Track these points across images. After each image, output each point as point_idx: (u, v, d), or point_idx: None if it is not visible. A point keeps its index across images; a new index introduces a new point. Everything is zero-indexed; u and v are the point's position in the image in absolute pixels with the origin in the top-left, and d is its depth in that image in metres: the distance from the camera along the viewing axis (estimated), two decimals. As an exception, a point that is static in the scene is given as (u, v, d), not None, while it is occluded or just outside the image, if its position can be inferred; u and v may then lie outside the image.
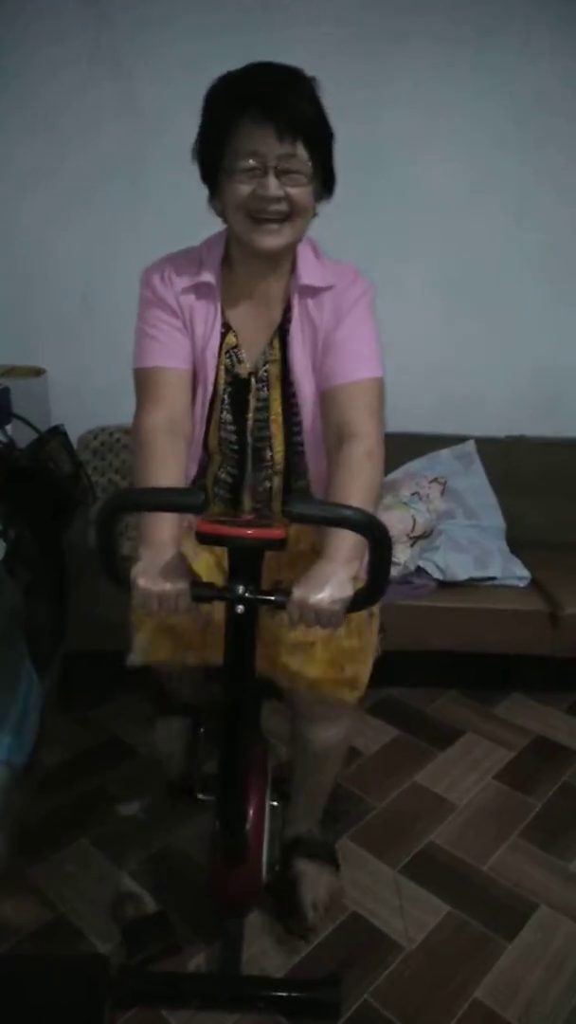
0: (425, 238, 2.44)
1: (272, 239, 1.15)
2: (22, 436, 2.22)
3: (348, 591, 1.06)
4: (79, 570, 2.01)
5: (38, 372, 2.49)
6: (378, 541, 1.01)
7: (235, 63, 1.14)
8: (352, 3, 2.22)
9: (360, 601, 1.08)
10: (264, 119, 1.07)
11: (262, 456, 1.32)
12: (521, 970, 1.47)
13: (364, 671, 1.38)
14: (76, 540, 2.12)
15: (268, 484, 1.34)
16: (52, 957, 1.27)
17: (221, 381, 1.27)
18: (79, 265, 2.44)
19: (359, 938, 1.52)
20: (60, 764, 2.00)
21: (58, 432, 2.32)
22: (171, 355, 1.23)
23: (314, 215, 1.19)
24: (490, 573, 2.21)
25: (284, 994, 1.38)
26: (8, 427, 2.18)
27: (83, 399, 2.45)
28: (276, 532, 1.05)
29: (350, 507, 1.03)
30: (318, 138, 1.11)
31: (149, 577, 1.07)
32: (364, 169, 2.29)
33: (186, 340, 1.24)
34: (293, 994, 1.37)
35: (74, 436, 2.46)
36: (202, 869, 1.41)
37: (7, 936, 1.49)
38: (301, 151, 1.10)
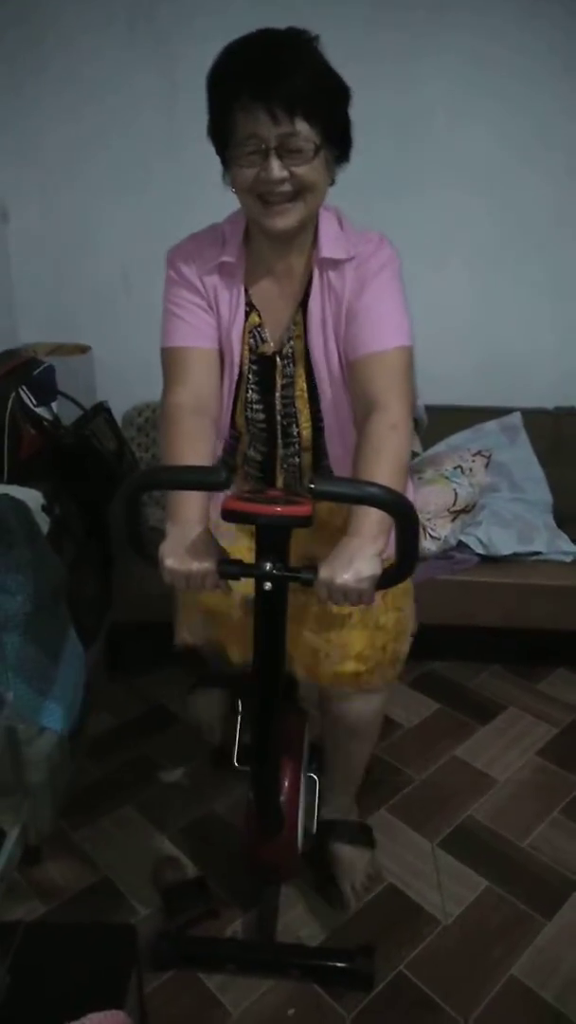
0: (468, 204, 2.36)
1: (283, 219, 1.12)
2: (68, 413, 2.26)
3: (376, 568, 1.05)
4: (123, 544, 2.04)
5: (84, 350, 2.53)
6: (404, 518, 0.99)
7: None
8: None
9: (389, 578, 1.07)
10: (255, 101, 1.03)
11: (290, 433, 1.31)
12: (559, 949, 1.46)
13: (403, 646, 1.37)
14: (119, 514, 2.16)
15: (297, 460, 1.34)
16: (81, 925, 1.32)
17: (246, 361, 1.27)
18: (121, 244, 2.45)
19: (395, 910, 1.54)
20: (106, 731, 2.06)
21: (102, 409, 2.36)
22: (197, 335, 1.23)
23: (331, 183, 1.16)
24: (535, 548, 2.16)
25: (319, 962, 1.41)
26: (54, 404, 2.22)
27: (127, 376, 2.47)
28: (303, 509, 1.04)
29: (374, 484, 1.01)
30: (321, 107, 1.06)
31: (177, 556, 1.08)
32: (402, 141, 2.25)
33: (211, 319, 1.24)
34: (328, 963, 1.40)
35: (119, 413, 2.50)
36: (241, 836, 1.44)
37: (52, 897, 1.55)
38: (302, 127, 1.05)
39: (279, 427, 1.30)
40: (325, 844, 1.56)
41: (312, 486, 0.97)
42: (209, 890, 1.53)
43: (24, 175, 2.40)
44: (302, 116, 1.05)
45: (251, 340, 1.26)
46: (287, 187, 1.09)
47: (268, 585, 1.08)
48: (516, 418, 2.46)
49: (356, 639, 1.32)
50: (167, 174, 2.35)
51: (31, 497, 1.78)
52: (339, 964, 1.39)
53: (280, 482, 1.37)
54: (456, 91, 2.26)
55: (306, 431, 1.31)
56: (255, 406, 1.30)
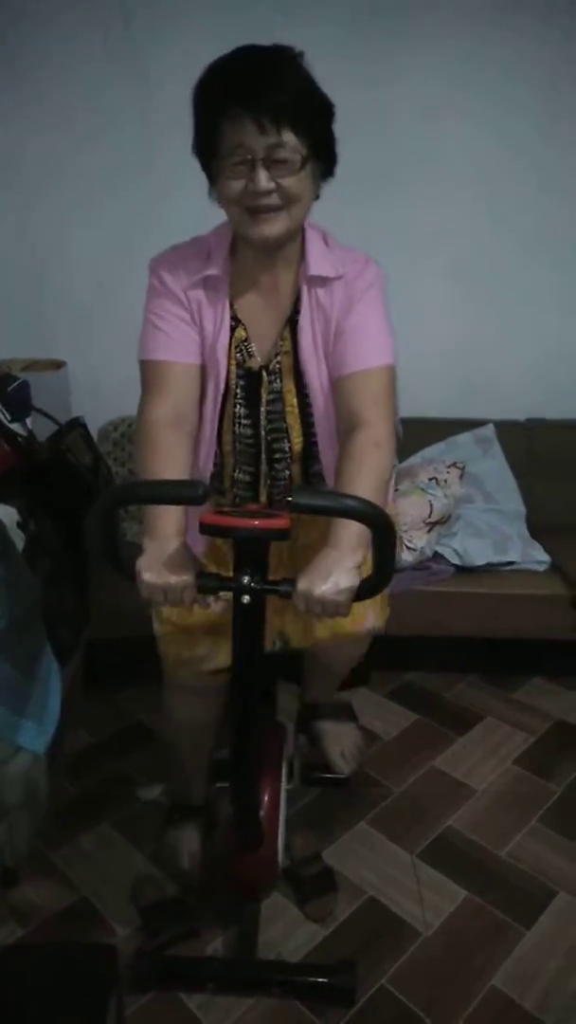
0: (441, 222, 2.40)
1: (268, 228, 1.13)
2: (43, 429, 2.25)
3: (354, 580, 1.06)
4: (100, 560, 2.03)
5: (58, 365, 2.51)
6: (382, 531, 1.00)
7: (247, 42, 1.11)
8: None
9: (366, 590, 1.07)
10: (243, 112, 1.04)
11: (279, 448, 1.31)
12: (539, 958, 1.47)
13: (381, 614, 1.46)
14: (96, 529, 2.15)
15: (287, 473, 1.34)
16: (60, 946, 1.30)
17: (233, 376, 1.27)
18: (96, 258, 2.45)
19: (376, 923, 1.54)
20: (84, 749, 2.04)
21: (77, 424, 2.35)
22: (178, 348, 1.23)
23: (316, 197, 1.17)
24: (509, 558, 2.19)
25: (300, 979, 1.40)
26: (28, 420, 2.21)
27: (102, 391, 2.47)
28: (280, 522, 1.05)
29: (353, 497, 1.02)
30: (306, 120, 1.08)
31: (154, 570, 1.08)
32: (377, 156, 2.27)
33: (194, 333, 1.24)
34: (309, 979, 1.39)
35: (94, 428, 2.49)
36: (224, 854, 1.43)
37: (30, 919, 1.53)
38: (289, 137, 1.07)
39: (263, 442, 1.31)
40: (310, 726, 1.64)
41: (290, 499, 0.98)
42: (188, 909, 1.51)
43: (-2, 188, 2.39)
44: (289, 127, 1.06)
45: (238, 355, 1.27)
46: (274, 199, 1.10)
47: (246, 598, 1.08)
48: (489, 430, 2.50)
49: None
50: (142, 189, 2.36)
51: (6, 514, 1.76)
52: (320, 980, 1.38)
53: (264, 497, 1.37)
54: (435, 101, 2.29)
55: (298, 445, 1.31)
56: (243, 421, 1.30)
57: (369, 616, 1.44)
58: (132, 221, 2.34)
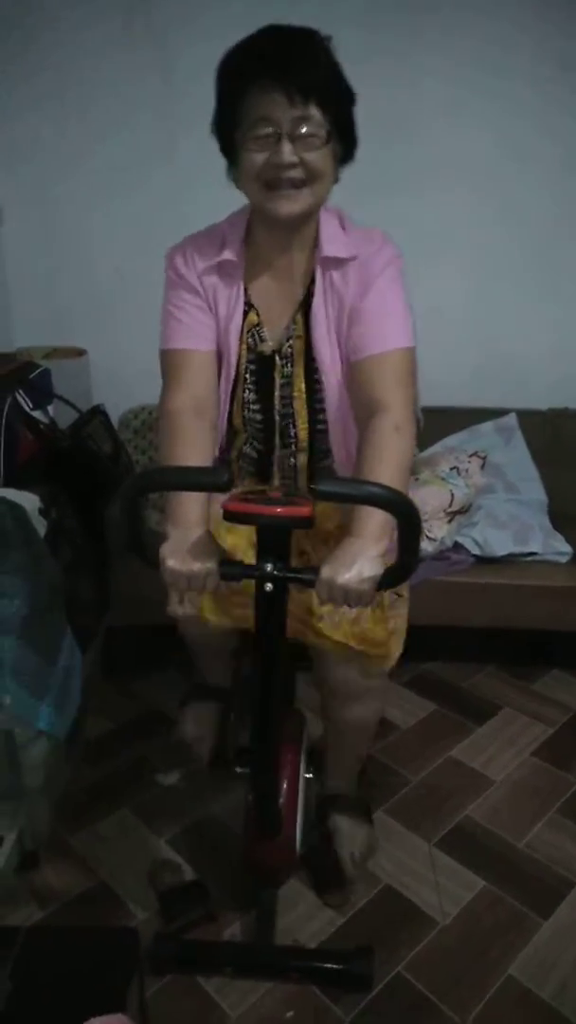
0: (465, 205, 2.38)
1: (289, 205, 1.12)
2: (65, 417, 2.26)
3: (377, 569, 1.05)
4: (120, 547, 2.04)
5: (80, 353, 2.52)
6: (406, 518, 1.00)
7: None
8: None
9: (390, 579, 1.07)
10: (274, 83, 1.04)
11: (288, 433, 1.31)
12: (556, 949, 1.46)
13: (395, 647, 1.38)
14: (116, 517, 2.16)
15: (293, 461, 1.34)
16: (83, 929, 1.32)
17: (244, 360, 1.27)
18: (117, 247, 2.45)
19: (393, 911, 1.54)
20: (103, 735, 2.06)
21: (98, 412, 2.36)
22: (196, 337, 1.23)
23: (336, 180, 1.17)
24: (530, 548, 2.17)
25: (317, 964, 1.41)
26: (50, 408, 2.22)
27: (123, 379, 2.47)
28: (303, 510, 1.05)
29: (377, 484, 1.01)
30: (332, 98, 1.08)
31: (178, 557, 1.08)
32: (399, 139, 2.25)
33: (210, 320, 1.24)
34: (326, 965, 1.40)
35: (115, 415, 2.50)
36: (239, 839, 1.44)
37: (49, 902, 1.55)
38: (315, 112, 1.07)
39: (277, 427, 1.30)
40: (324, 818, 1.59)
41: (314, 487, 0.97)
42: (207, 893, 1.52)
43: (19, 177, 2.39)
44: (316, 103, 1.07)
45: (249, 339, 1.26)
46: (297, 172, 1.10)
47: (269, 586, 1.09)
48: (511, 419, 2.48)
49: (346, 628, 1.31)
50: (163, 176, 2.35)
51: (28, 500, 1.77)
52: (337, 966, 1.38)
53: (276, 481, 1.37)
54: (453, 91, 2.27)
55: (303, 431, 1.31)
56: (252, 406, 1.30)
57: (391, 646, 1.37)
58: (153, 210, 2.34)
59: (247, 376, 1.28)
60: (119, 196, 2.39)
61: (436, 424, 2.41)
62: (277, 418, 1.30)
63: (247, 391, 1.29)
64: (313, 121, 1.07)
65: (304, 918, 1.52)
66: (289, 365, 1.27)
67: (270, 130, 1.07)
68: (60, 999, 1.01)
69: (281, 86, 1.04)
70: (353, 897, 1.56)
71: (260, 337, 1.26)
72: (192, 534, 1.11)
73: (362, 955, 1.39)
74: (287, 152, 1.07)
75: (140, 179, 2.36)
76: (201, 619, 1.38)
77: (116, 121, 2.32)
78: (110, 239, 2.45)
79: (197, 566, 1.08)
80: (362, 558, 1.05)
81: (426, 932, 1.49)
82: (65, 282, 2.53)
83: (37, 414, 2.10)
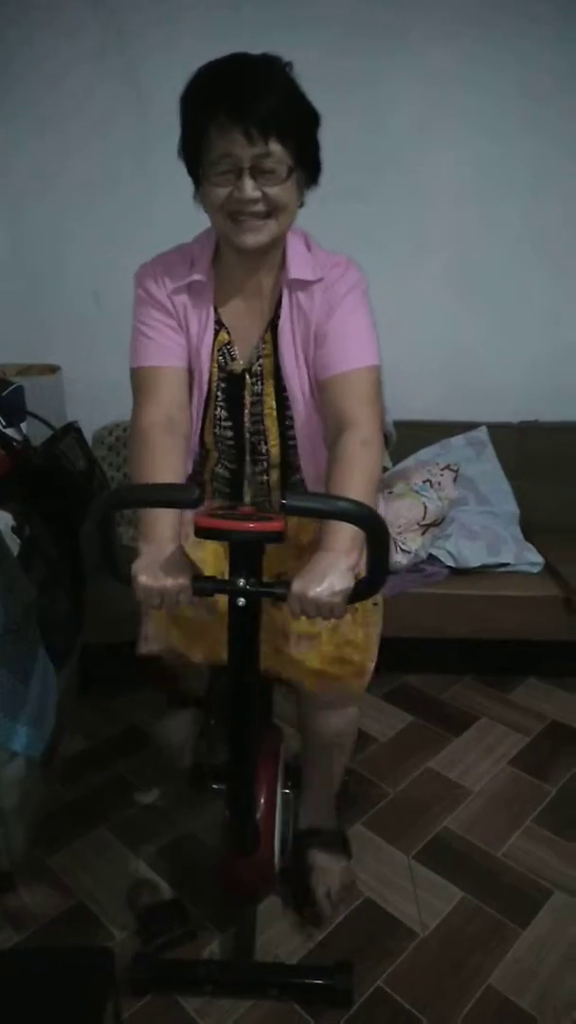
0: (434, 228, 2.43)
1: (254, 236, 1.14)
2: (38, 434, 2.25)
3: (348, 582, 1.06)
4: (95, 564, 2.03)
5: (53, 370, 2.52)
6: (375, 532, 1.01)
7: (240, 50, 1.11)
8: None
9: (360, 592, 1.08)
10: (232, 122, 1.05)
11: (259, 450, 1.32)
12: (536, 957, 1.47)
13: (369, 660, 1.38)
14: (92, 534, 2.15)
15: (265, 478, 1.35)
16: (55, 950, 1.30)
17: (215, 378, 1.28)
18: (90, 263, 2.46)
19: (373, 924, 1.54)
20: (80, 753, 2.04)
21: (72, 429, 2.35)
22: (166, 354, 1.24)
23: (301, 205, 1.19)
24: (503, 559, 2.20)
25: (297, 980, 1.40)
26: (23, 425, 2.21)
27: (98, 395, 2.47)
28: (275, 525, 1.06)
29: (346, 499, 1.03)
30: (292, 130, 1.09)
31: (150, 573, 1.08)
32: (372, 163, 2.29)
33: (180, 338, 1.25)
34: (306, 980, 1.39)
35: (89, 432, 2.50)
36: (217, 857, 1.43)
37: (27, 924, 1.53)
38: (275, 148, 1.08)
39: (247, 444, 1.32)
40: (302, 852, 1.57)
41: (284, 502, 0.98)
42: (186, 911, 1.51)
43: (-9, 195, 2.40)
44: (276, 138, 1.07)
45: (220, 358, 1.28)
46: (259, 207, 1.12)
47: (242, 601, 1.09)
48: (482, 432, 2.51)
49: (325, 642, 1.33)
50: (137, 193, 2.37)
51: (1, 519, 1.76)
52: (318, 981, 1.38)
53: (248, 498, 1.38)
54: (422, 110, 2.32)
55: (275, 448, 1.32)
56: (223, 423, 1.31)
57: (366, 664, 1.38)
58: (126, 225, 2.35)
59: (219, 394, 1.29)
60: (93, 212, 2.41)
61: (409, 438, 2.44)
62: (247, 435, 1.31)
63: (219, 408, 1.30)
64: (274, 157, 1.08)
65: (284, 933, 1.51)
66: (259, 383, 1.28)
67: (232, 166, 1.09)
68: (35, 1022, 1.00)
69: (239, 125, 1.05)
70: (332, 915, 1.55)
71: (231, 356, 1.28)
72: (164, 550, 1.11)
73: (342, 970, 1.38)
74: (249, 188, 1.09)
75: (114, 197, 2.38)
76: (172, 653, 1.39)
77: (89, 139, 2.34)
78: (84, 256, 2.46)
79: (170, 582, 1.08)
80: (333, 571, 1.05)
81: (406, 944, 1.49)
82: (39, 299, 2.53)
83: (10, 431, 2.09)
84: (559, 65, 2.28)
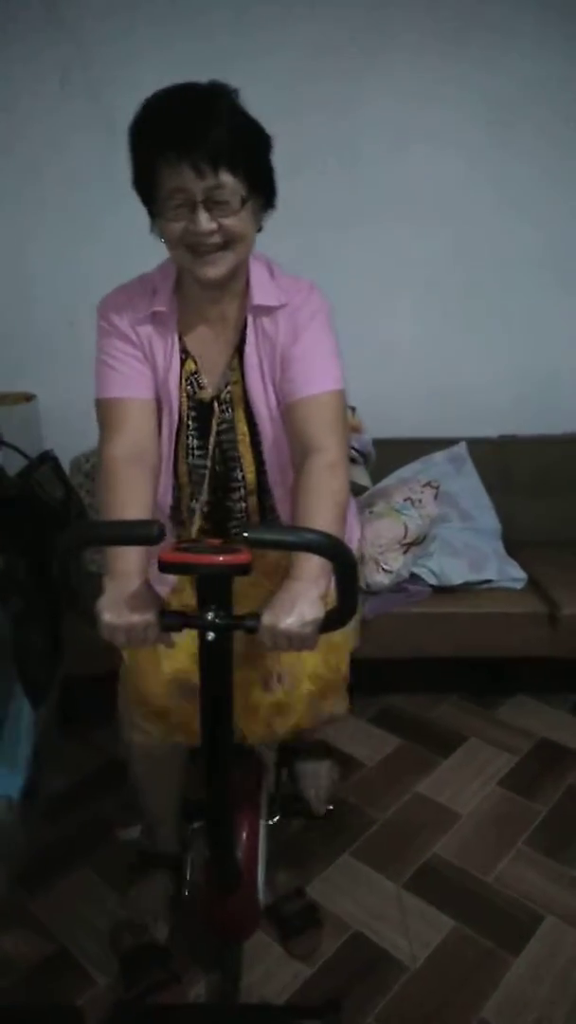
0: (412, 239, 2.42)
1: (213, 269, 1.13)
2: (13, 463, 2.22)
3: (318, 612, 1.04)
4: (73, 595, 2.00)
5: (28, 398, 2.50)
6: (342, 562, 0.99)
7: (209, 75, 1.11)
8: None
9: (331, 622, 1.06)
10: (181, 158, 1.04)
11: (232, 478, 1.30)
12: (529, 986, 1.44)
13: (346, 664, 1.41)
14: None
15: (243, 505, 1.33)
16: (23, 1010, 1.26)
17: (185, 407, 1.27)
18: (64, 291, 2.44)
19: (362, 958, 1.50)
20: (61, 791, 1.99)
21: (48, 457, 2.32)
22: (132, 385, 1.23)
23: (259, 230, 1.18)
24: (486, 576, 2.18)
25: (285, 1022, 1.36)
26: (-2, 455, 2.18)
27: (74, 423, 2.42)
28: (241, 557, 1.03)
29: (310, 530, 1.01)
30: (243, 160, 1.08)
31: (115, 610, 1.05)
32: (350, 170, 2.29)
33: (146, 369, 1.24)
34: (294, 1022, 1.36)
35: (66, 460, 2.47)
36: (202, 896, 1.39)
37: (8, 972, 1.48)
38: (227, 179, 1.07)
39: (218, 471, 1.30)
40: (289, 765, 1.72)
41: (246, 535, 0.96)
42: (170, 953, 1.47)
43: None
44: (227, 169, 1.06)
45: (188, 387, 1.26)
46: (216, 238, 1.11)
47: (211, 635, 1.06)
48: (462, 448, 2.50)
49: (308, 658, 1.30)
50: (111, 220, 2.33)
51: (-27, 552, 1.73)
52: (306, 1022, 1.34)
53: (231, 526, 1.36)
54: (396, 127, 2.32)
55: (251, 475, 1.30)
56: (196, 452, 1.30)
57: (329, 703, 1.39)
58: (102, 253, 2.33)
59: (189, 423, 1.28)
60: (68, 241, 2.39)
61: (389, 455, 2.42)
62: (216, 463, 1.29)
63: (190, 437, 1.29)
64: (226, 189, 1.07)
65: (271, 972, 1.48)
66: (229, 410, 1.26)
67: (185, 200, 1.08)
68: None
69: (188, 160, 1.04)
70: (321, 946, 1.52)
71: (199, 384, 1.26)
72: (130, 585, 1.08)
73: (331, 1009, 1.35)
74: (204, 221, 1.08)
75: (89, 224, 2.37)
76: (161, 741, 1.37)
77: (61, 165, 2.33)
78: (58, 283, 2.44)
79: (136, 618, 1.05)
80: (302, 601, 1.03)
81: (396, 978, 1.46)
82: (13, 327, 2.51)
83: (-17, 462, 2.07)
84: (531, 81, 2.30)
